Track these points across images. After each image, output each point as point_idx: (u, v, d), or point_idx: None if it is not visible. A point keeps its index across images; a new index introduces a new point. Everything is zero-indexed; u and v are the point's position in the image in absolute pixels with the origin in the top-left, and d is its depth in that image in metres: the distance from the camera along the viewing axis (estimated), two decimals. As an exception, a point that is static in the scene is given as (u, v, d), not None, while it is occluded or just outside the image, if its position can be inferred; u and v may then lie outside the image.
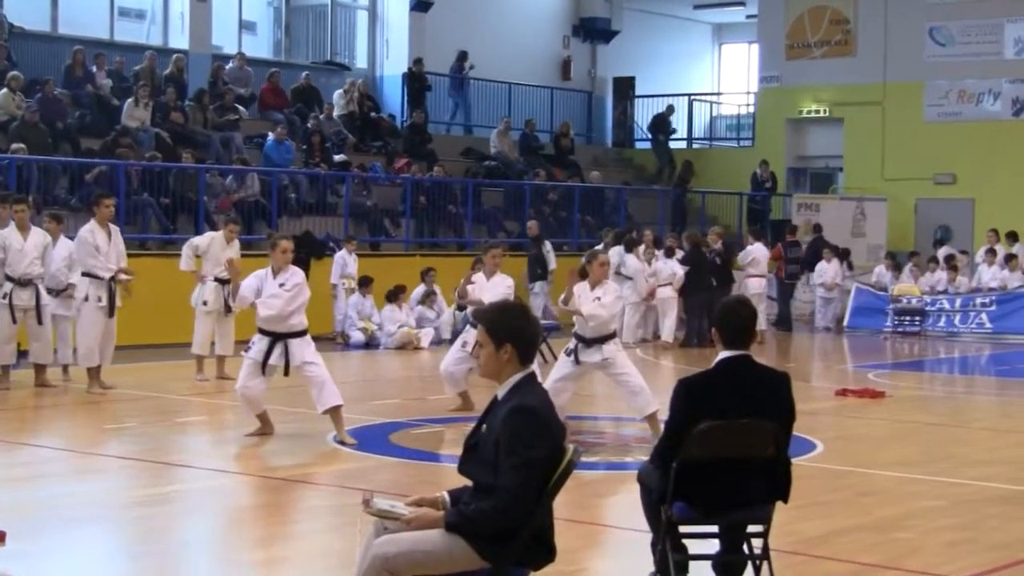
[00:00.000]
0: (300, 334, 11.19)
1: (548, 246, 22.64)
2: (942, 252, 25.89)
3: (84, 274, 13.91)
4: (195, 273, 15.38)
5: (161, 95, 22.38)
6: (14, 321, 13.88)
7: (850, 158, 29.72)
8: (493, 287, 12.74)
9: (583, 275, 11.72)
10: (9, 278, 13.83)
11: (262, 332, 11.18)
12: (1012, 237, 25.37)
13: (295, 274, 11.18)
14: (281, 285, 11.07)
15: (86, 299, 13.86)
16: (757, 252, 22.67)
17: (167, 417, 12.63)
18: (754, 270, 22.43)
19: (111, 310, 13.90)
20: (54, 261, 14.32)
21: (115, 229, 14.19)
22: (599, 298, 11.32)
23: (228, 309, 14.99)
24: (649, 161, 32.39)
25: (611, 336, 11.41)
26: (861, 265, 26.20)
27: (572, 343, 11.47)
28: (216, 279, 15.13)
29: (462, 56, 29.03)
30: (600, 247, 19.61)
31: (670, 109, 31.74)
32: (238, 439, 11.28)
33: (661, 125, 31.33)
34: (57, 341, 14.54)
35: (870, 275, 25.51)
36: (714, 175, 30.56)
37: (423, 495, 5.32)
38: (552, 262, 22.42)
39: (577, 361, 11.37)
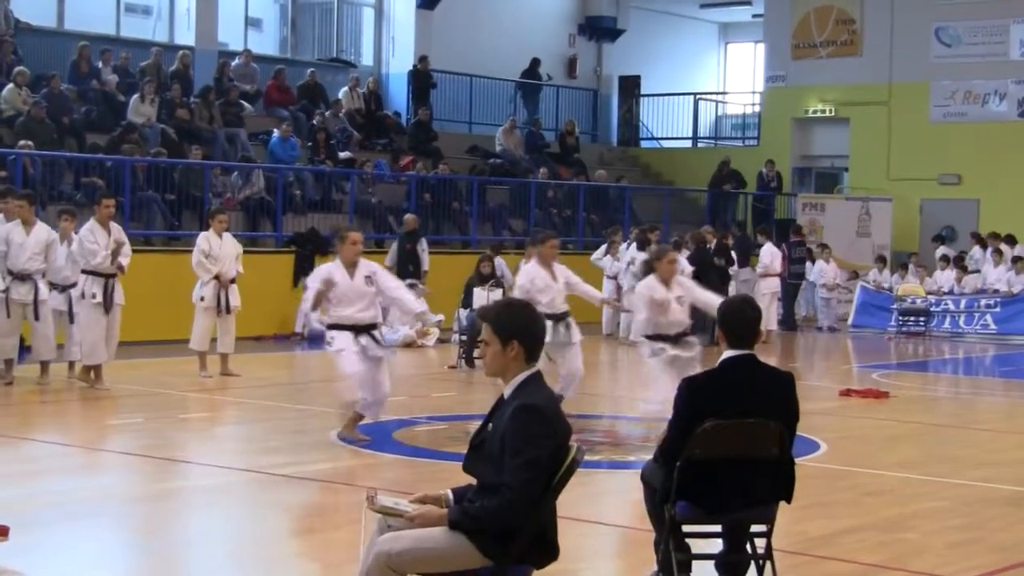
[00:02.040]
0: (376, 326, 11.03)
1: (424, 244, 20.96)
2: (940, 251, 25.82)
3: (84, 271, 13.90)
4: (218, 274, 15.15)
5: (167, 91, 22.37)
6: (8, 315, 13.83)
7: (855, 158, 29.67)
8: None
9: (648, 270, 11.34)
10: (9, 272, 13.84)
11: (340, 327, 10.77)
12: (1009, 241, 25.17)
13: (369, 265, 10.97)
14: (367, 277, 10.81)
15: (83, 296, 13.87)
16: (767, 252, 22.64)
17: (171, 413, 12.62)
18: (766, 270, 22.41)
19: (106, 307, 13.89)
20: (59, 257, 14.32)
21: (117, 228, 14.17)
22: (680, 296, 11.13)
23: (228, 309, 14.97)
24: (654, 160, 32.40)
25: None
26: (866, 265, 26.15)
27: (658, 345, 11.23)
28: (216, 278, 15.02)
29: (535, 63, 29.36)
30: (660, 245, 19.20)
31: (728, 168, 29.18)
32: (241, 435, 11.29)
33: (727, 180, 29.11)
34: (65, 337, 14.55)
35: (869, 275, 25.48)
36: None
37: (427, 492, 5.32)
38: (426, 263, 20.71)
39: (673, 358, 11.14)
